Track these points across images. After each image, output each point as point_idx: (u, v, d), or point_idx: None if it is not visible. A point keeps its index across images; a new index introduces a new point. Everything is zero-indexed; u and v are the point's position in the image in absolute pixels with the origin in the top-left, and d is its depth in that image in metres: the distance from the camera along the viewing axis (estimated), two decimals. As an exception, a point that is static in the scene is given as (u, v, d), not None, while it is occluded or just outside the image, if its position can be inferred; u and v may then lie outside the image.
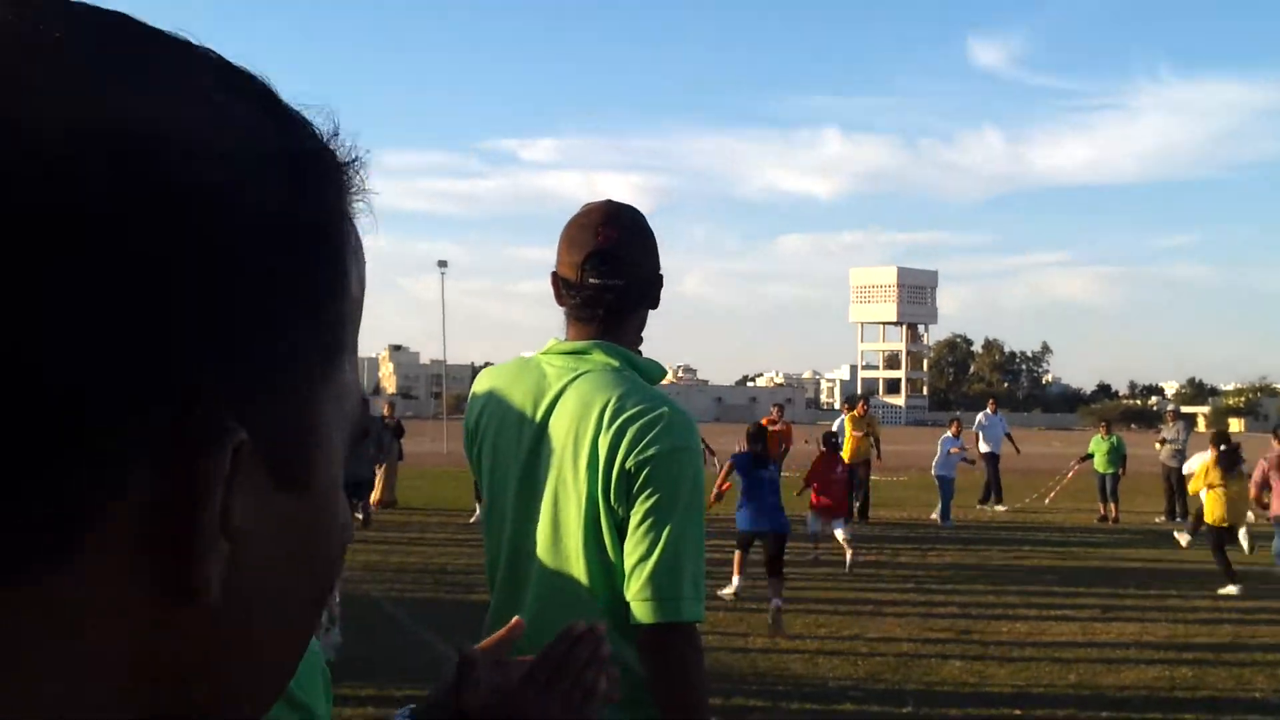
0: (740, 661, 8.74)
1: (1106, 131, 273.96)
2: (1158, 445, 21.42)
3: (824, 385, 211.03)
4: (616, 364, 2.40)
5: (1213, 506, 13.49)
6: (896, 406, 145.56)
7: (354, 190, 0.51)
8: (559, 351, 2.46)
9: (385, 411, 19.02)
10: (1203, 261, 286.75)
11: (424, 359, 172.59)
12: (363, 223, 0.51)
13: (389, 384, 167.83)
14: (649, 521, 2.25)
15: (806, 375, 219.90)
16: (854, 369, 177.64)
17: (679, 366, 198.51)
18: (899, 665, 8.76)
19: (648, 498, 2.25)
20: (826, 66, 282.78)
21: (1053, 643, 9.68)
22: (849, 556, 13.59)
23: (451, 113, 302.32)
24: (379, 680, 7.89)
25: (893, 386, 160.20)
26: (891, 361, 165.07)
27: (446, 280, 43.60)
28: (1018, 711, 7.54)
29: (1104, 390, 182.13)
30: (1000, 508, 21.51)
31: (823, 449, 14.53)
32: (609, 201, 2.50)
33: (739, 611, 10.55)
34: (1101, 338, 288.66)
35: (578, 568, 2.33)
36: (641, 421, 2.27)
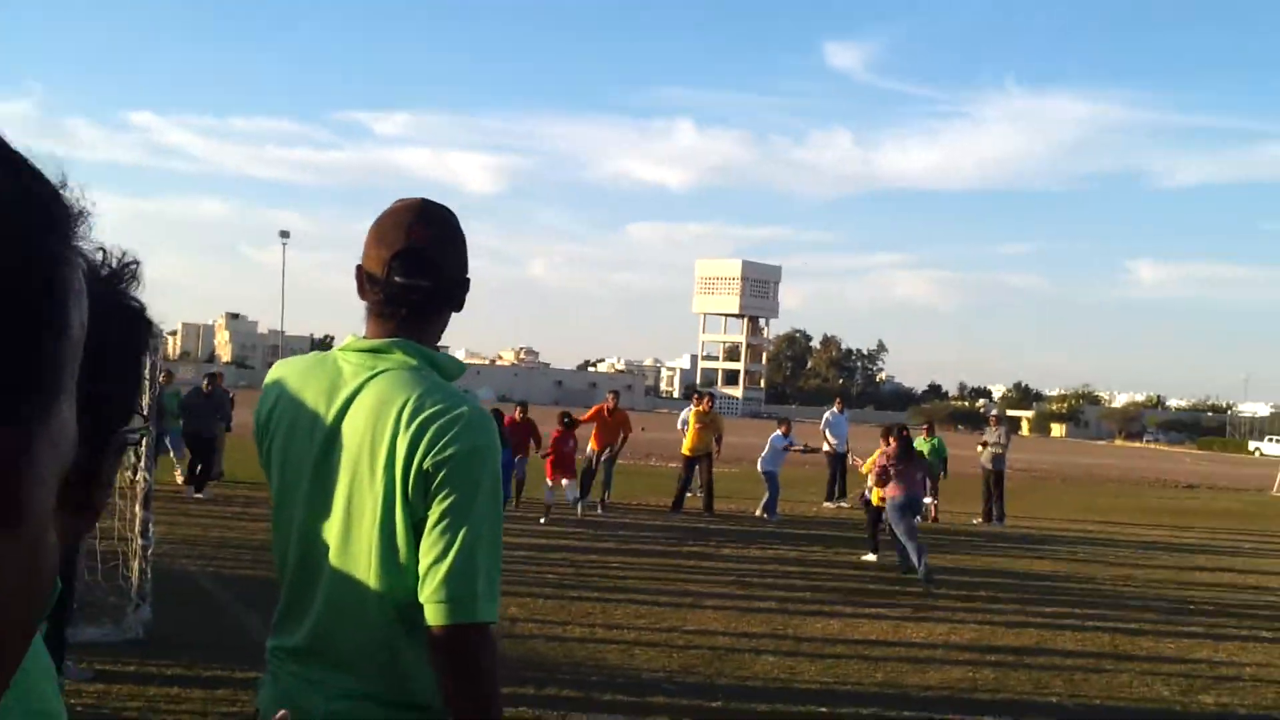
0: (556, 651, 8.77)
1: (952, 139, 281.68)
2: (979, 448, 22.04)
3: (664, 374, 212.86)
4: (415, 362, 2.36)
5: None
6: (734, 398, 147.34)
7: (79, 239, 0.52)
8: (357, 349, 2.40)
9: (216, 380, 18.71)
10: (1036, 270, 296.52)
11: (262, 328, 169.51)
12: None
13: (224, 352, 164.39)
14: (445, 522, 2.22)
15: (648, 363, 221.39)
16: (694, 359, 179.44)
17: (521, 348, 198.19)
18: (713, 659, 8.88)
19: (445, 498, 2.22)
20: (684, 59, 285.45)
21: (863, 641, 9.91)
22: (579, 514, 17.38)
23: (303, 79, 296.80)
24: (187, 658, 7.74)
25: (731, 378, 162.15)
26: (732, 353, 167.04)
27: (291, 250, 42.95)
28: (824, 709, 7.68)
29: (935, 390, 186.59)
30: (844, 503, 21.91)
31: (559, 427, 17.39)
32: (423, 200, 2.44)
33: (559, 600, 10.59)
34: (936, 339, 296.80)
35: (369, 569, 2.30)
36: (441, 421, 2.24)
